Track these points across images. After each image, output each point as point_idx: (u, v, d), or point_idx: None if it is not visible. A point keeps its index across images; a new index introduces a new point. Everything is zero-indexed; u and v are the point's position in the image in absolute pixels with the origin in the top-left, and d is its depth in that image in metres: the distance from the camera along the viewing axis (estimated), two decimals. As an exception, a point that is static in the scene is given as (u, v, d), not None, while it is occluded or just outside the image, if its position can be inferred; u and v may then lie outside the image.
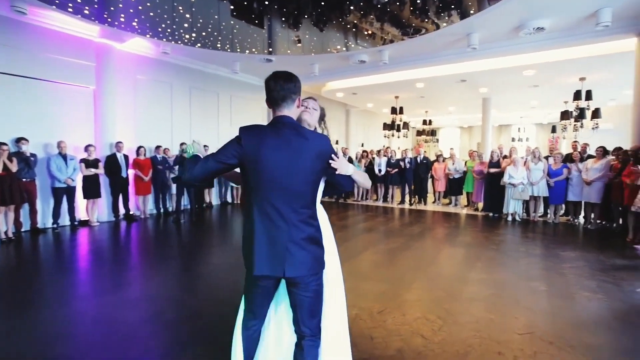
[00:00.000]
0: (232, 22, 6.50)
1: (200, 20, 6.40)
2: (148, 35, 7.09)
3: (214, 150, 1.62)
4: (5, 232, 5.68)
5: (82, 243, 5.93)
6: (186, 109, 9.40)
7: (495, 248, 5.59)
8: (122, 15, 6.29)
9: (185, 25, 6.52)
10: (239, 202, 10.22)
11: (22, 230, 6.15)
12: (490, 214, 8.28)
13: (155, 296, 3.61)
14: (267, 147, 1.52)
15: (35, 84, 6.56)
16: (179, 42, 7.34)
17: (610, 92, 11.17)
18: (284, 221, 1.55)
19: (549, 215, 7.70)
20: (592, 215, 7.08)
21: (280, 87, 1.59)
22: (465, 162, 9.56)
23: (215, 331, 2.84)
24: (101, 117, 7.45)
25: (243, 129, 1.57)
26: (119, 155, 7.38)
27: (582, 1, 5.63)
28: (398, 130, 13.00)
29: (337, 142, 15.05)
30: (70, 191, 6.68)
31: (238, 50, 7.93)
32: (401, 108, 12.77)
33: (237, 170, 1.67)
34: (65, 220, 6.83)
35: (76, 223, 6.90)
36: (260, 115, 11.71)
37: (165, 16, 6.23)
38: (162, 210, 8.37)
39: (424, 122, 16.94)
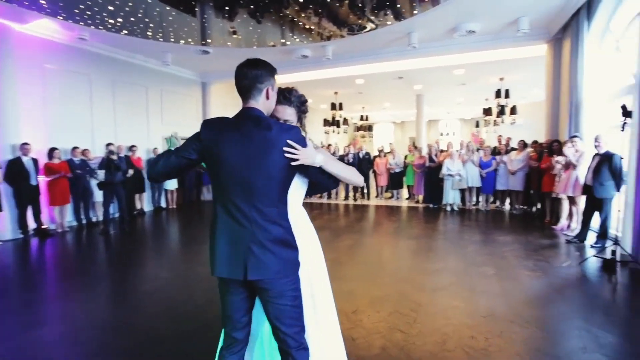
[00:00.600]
0: (167, 8, 5.84)
1: (129, 4, 5.62)
2: (60, 18, 6.05)
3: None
4: None
5: (-19, 267, 4.86)
6: (109, 105, 8.31)
7: (442, 238, 5.93)
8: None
9: (111, 8, 5.67)
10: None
11: None
12: (431, 205, 8.80)
13: (92, 326, 3.05)
14: (226, 141, 1.41)
15: None
16: (101, 27, 6.40)
17: (522, 91, 12.65)
18: (247, 220, 1.42)
19: (481, 204, 8.45)
20: (516, 202, 7.92)
21: (244, 75, 1.46)
22: (406, 157, 10.02)
23: (188, 358, 2.48)
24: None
25: (204, 123, 1.48)
26: (26, 160, 6.24)
27: (506, 9, 6.24)
28: (338, 126, 13.17)
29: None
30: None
31: (172, 40, 7.21)
32: (340, 104, 12.95)
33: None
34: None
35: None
36: (195, 112, 10.92)
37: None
38: (84, 221, 7.31)
39: (361, 118, 17.46)
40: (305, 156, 1.46)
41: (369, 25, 6.88)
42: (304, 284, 1.61)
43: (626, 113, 3.97)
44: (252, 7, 5.94)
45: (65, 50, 7.27)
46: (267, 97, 1.50)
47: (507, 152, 8.02)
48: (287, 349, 1.50)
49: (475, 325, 2.85)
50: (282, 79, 11.75)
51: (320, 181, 1.61)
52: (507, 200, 8.27)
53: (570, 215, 5.84)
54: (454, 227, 6.73)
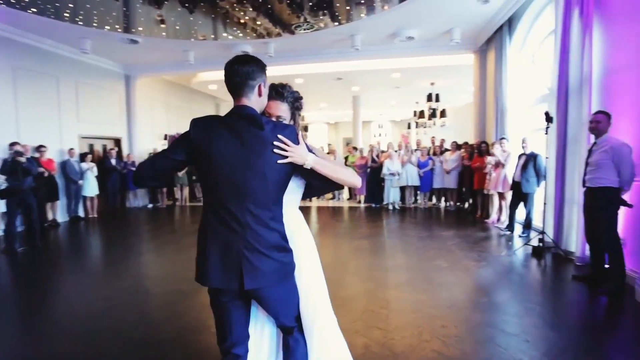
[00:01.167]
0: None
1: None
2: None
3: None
4: None
5: None
6: (8, 96, 6.95)
7: (391, 235, 6.14)
8: None
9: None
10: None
11: None
12: (373, 205, 9.09)
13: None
14: (217, 141, 1.35)
15: None
16: (2, 3, 5.29)
17: (449, 96, 13.81)
18: (239, 225, 1.35)
19: (419, 202, 8.98)
20: (451, 199, 8.59)
21: (235, 72, 1.39)
22: (346, 158, 10.22)
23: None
24: None
25: (193, 122, 1.40)
26: None
27: (441, 19, 6.75)
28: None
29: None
30: None
31: (95, 25, 6.28)
32: (279, 104, 12.72)
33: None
34: None
35: None
36: (118, 108, 9.77)
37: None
38: (-22, 236, 6.00)
39: (298, 119, 17.42)
40: (295, 154, 1.37)
41: (305, 25, 6.82)
42: (302, 289, 1.58)
43: (549, 119, 4.51)
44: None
45: (-54, 27, 5.90)
46: (260, 94, 1.43)
47: (441, 152, 8.65)
48: (286, 328, 1.54)
49: (443, 315, 3.01)
50: (216, 76, 11.15)
51: (317, 183, 1.51)
52: (443, 198, 8.93)
53: (500, 209, 6.50)
54: (399, 225, 7.02)
